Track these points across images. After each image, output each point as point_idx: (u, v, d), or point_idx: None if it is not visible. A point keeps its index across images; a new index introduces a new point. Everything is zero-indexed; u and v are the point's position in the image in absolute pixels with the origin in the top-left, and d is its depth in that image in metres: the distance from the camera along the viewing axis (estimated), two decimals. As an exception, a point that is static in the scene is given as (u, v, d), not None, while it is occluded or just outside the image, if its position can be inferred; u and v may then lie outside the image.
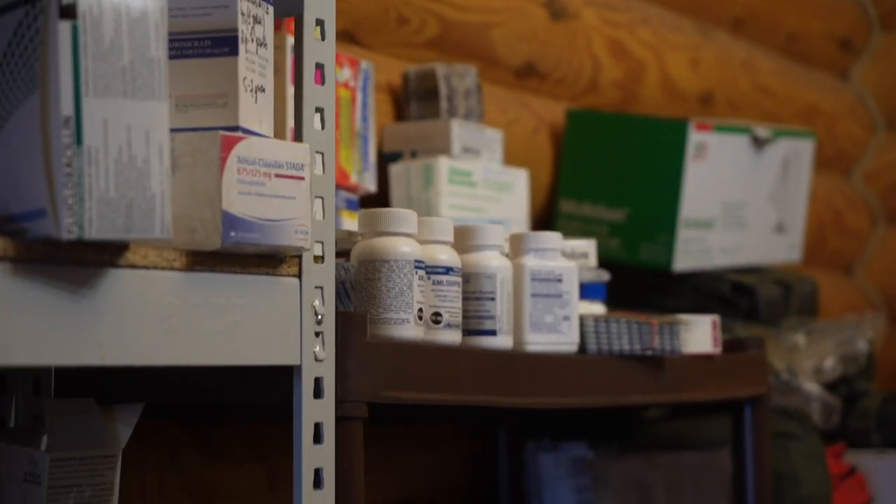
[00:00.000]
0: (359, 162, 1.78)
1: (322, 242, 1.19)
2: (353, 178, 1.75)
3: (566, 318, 1.48)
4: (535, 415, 1.80)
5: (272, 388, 1.22)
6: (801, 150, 2.40)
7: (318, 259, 1.18)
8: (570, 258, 1.57)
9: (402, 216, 1.31)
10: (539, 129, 2.23)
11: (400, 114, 1.93)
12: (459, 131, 1.85)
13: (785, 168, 2.36)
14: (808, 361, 2.12)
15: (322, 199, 1.19)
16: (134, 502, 1.57)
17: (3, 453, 1.25)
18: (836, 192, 3.15)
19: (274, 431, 1.74)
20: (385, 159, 1.87)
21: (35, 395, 1.34)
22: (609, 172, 2.20)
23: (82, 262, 1.00)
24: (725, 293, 2.21)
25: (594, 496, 2.01)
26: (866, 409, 2.35)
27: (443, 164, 1.81)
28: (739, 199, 2.26)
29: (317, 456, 1.17)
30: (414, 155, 1.86)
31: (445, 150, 1.84)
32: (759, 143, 2.27)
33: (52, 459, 1.23)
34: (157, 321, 1.05)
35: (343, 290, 1.30)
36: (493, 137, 1.91)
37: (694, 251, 2.16)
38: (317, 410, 1.18)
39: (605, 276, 1.70)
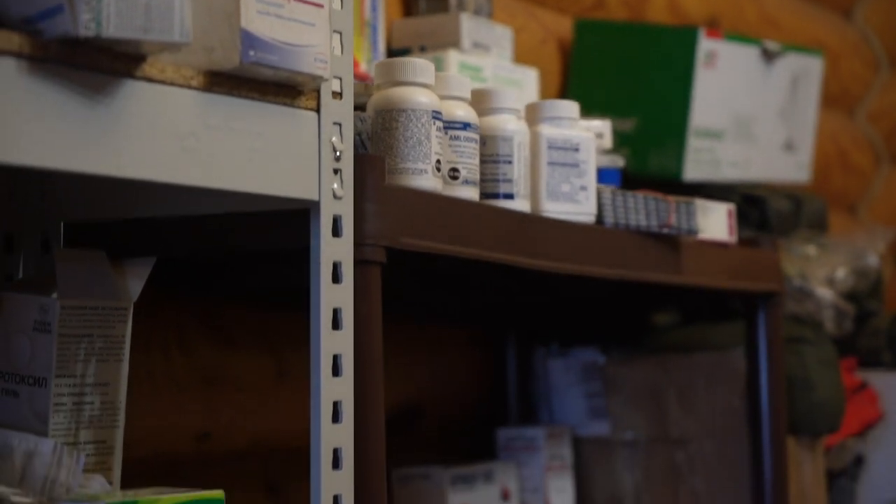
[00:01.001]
0: (368, 51, 1.75)
1: (340, 78, 1.16)
2: (363, 67, 1.72)
3: (583, 188, 1.46)
4: (550, 295, 1.77)
5: (287, 233, 1.19)
6: (810, 69, 2.38)
7: (337, 95, 1.15)
8: (585, 135, 1.55)
9: (420, 66, 1.28)
10: (546, 41, 2.21)
11: (409, 10, 1.91)
12: (469, 25, 1.83)
13: (794, 85, 2.34)
14: (820, 270, 2.09)
15: (340, 34, 1.16)
16: (142, 383, 1.54)
17: (11, 302, 1.22)
18: (840, 129, 3.13)
19: (283, 323, 1.71)
20: (394, 56, 1.84)
21: (44, 253, 1.31)
22: (618, 82, 2.17)
23: (99, 68, 0.97)
24: (736, 204, 2.18)
25: (605, 401, 1.99)
26: (877, 328, 2.33)
27: (453, 57, 1.78)
28: (749, 113, 2.23)
29: (335, 295, 1.15)
30: (423, 49, 1.83)
31: (455, 44, 1.81)
32: (768, 55, 2.25)
33: (62, 307, 1.20)
34: (175, 139, 1.02)
35: (359, 142, 1.27)
36: (503, 34, 1.89)
37: (703, 161, 2.14)
38: (335, 249, 1.15)
39: (619, 161, 1.67)
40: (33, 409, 1.19)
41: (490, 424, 1.99)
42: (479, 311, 2.01)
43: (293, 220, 1.16)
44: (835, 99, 3.07)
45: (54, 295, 1.20)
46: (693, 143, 2.11)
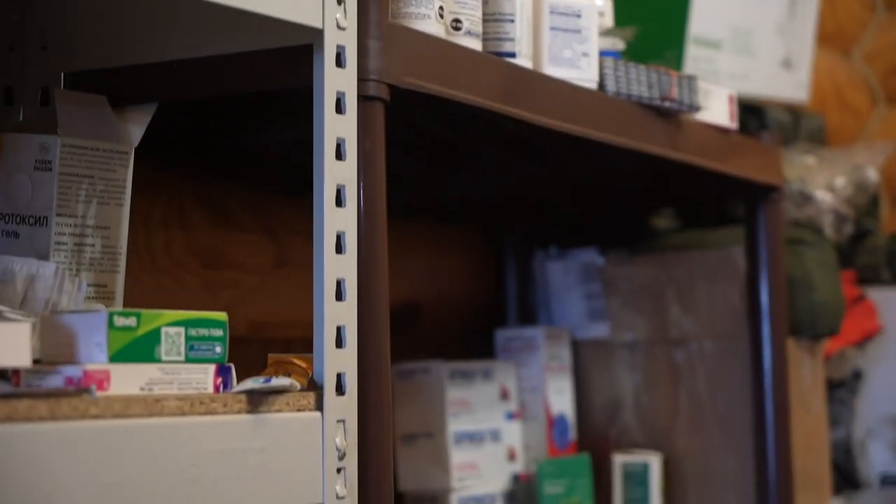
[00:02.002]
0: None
1: None
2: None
3: (585, 55, 1.45)
4: (549, 173, 1.75)
5: (291, 71, 1.19)
6: (809, -12, 2.38)
7: (340, -74, 1.15)
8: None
9: (423, -88, 1.27)
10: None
11: None
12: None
13: (792, 2, 2.33)
14: (819, 177, 2.09)
15: None
16: (141, 257, 1.53)
17: (12, 142, 1.21)
18: (836, 68, 3.12)
19: (284, 209, 1.70)
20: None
21: (44, 105, 1.30)
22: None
23: None
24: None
25: (604, 303, 1.98)
26: (875, 245, 2.33)
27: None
28: (747, 25, 2.23)
29: (339, 126, 1.14)
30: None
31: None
32: (767, -32, 2.24)
33: (63, 145, 1.19)
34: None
35: (362, -14, 1.26)
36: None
37: (702, 70, 2.13)
38: (339, 80, 1.14)
39: (619, 45, 1.66)
40: (34, 248, 1.18)
41: (489, 327, 1.99)
42: (478, 208, 2.00)
43: (297, 57, 1.15)
44: (831, 38, 3.06)
45: (55, 134, 1.19)
46: (692, 52, 2.11)
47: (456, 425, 1.82)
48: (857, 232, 2.30)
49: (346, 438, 1.13)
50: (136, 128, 1.25)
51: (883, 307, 2.26)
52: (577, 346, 2.00)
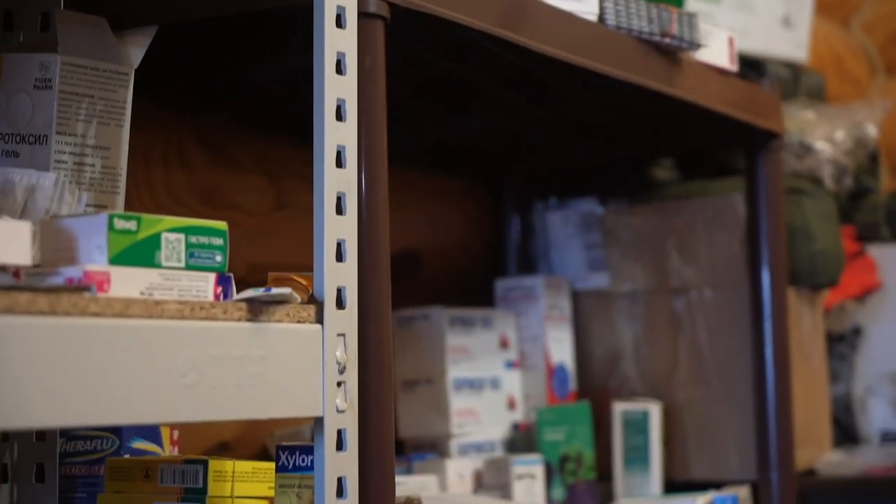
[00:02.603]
0: None
1: None
2: None
3: (585, -13, 1.45)
4: (549, 114, 1.75)
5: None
6: (809, -54, 2.37)
7: None
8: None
9: None
10: None
11: None
12: None
13: (792, -41, 2.33)
14: (819, 129, 2.09)
15: None
16: (142, 195, 1.53)
17: (11, 62, 1.21)
18: (835, 37, 3.12)
19: (283, 151, 1.70)
20: None
21: (43, 30, 1.30)
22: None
23: None
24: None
25: (604, 253, 1.98)
26: (875, 203, 2.33)
27: None
28: (747, -19, 2.23)
29: (338, 41, 1.14)
30: None
31: None
32: (767, -77, 2.24)
33: (63, 63, 1.19)
34: None
35: None
36: None
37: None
38: (338, -7, 1.14)
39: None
40: (35, 166, 1.18)
41: (489, 278, 1.98)
42: (478, 154, 2.00)
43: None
44: (830, 7, 3.06)
45: (55, 52, 1.19)
46: (691, 4, 2.10)
47: (456, 371, 1.82)
48: (856, 190, 2.30)
49: (346, 352, 1.13)
50: (136, 50, 1.25)
51: (883, 264, 2.26)
52: (576, 298, 2.00)
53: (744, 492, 1.81)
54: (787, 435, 1.86)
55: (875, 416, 2.25)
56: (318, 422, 1.12)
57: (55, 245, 1.02)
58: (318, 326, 1.11)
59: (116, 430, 1.31)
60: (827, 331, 2.13)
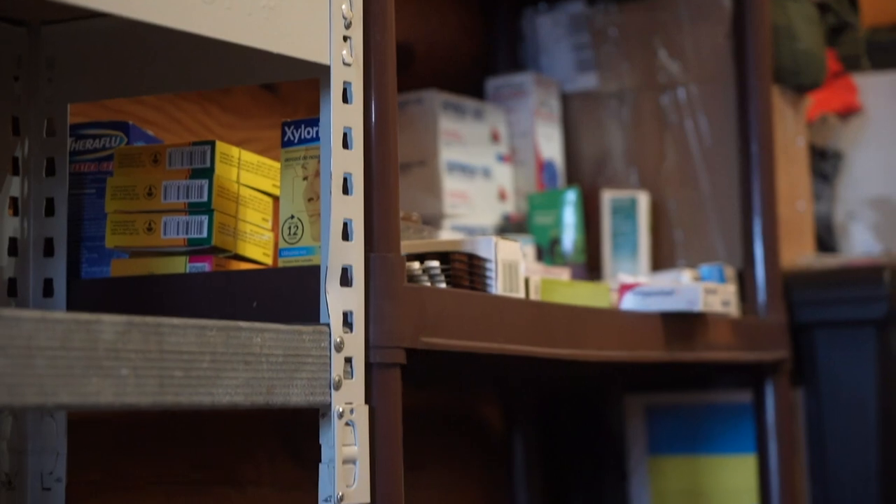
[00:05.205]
0: None
1: None
2: None
3: None
4: None
5: None
6: None
7: None
8: None
9: None
10: None
11: None
12: None
13: None
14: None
15: None
16: None
17: None
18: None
19: None
20: None
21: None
22: None
23: None
24: None
25: (593, 53, 2.02)
26: (855, 37, 2.37)
27: None
28: None
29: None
30: None
31: None
32: None
33: None
34: None
35: None
36: None
37: None
38: None
39: None
40: None
41: (479, 81, 2.02)
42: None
43: None
44: None
45: None
46: None
47: (448, 154, 1.86)
48: (837, 24, 2.34)
49: (351, 9, 1.17)
50: None
51: (864, 92, 2.30)
52: (565, 100, 2.04)
53: (730, 270, 1.85)
54: (772, 228, 1.90)
55: (856, 240, 2.29)
56: (325, 73, 1.15)
57: None
58: None
59: (125, 128, 1.34)
60: (810, 143, 2.18)
